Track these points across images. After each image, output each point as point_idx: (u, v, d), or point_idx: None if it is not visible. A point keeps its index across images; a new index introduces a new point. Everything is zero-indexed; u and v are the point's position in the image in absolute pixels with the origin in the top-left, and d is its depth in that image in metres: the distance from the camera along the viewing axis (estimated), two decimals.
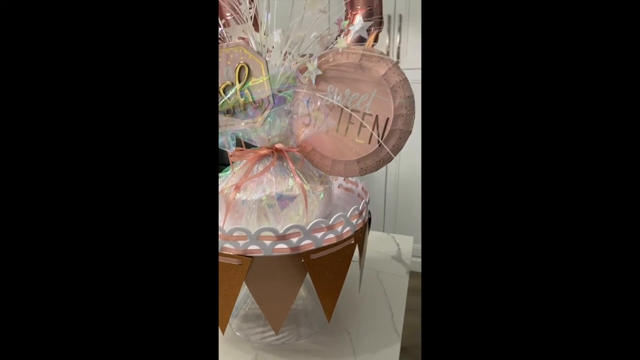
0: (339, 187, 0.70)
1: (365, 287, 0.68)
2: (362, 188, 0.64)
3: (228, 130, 0.54)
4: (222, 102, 0.51)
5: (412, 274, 0.76)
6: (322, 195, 0.54)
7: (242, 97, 0.52)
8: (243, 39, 0.53)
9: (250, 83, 0.50)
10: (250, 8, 0.52)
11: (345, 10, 0.60)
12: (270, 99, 0.50)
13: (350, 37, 0.58)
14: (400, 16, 1.95)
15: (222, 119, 0.54)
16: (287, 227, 0.45)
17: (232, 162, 0.58)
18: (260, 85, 0.49)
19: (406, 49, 1.91)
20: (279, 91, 0.52)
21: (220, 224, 0.53)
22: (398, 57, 1.93)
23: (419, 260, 1.96)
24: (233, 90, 0.50)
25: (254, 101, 0.52)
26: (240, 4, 0.52)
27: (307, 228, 0.45)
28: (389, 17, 1.96)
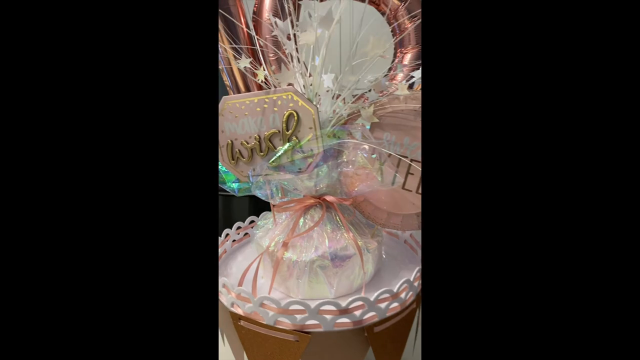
0: None
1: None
2: (412, 235, 0.59)
3: (273, 180, 0.49)
4: (273, 159, 0.47)
5: None
6: (375, 251, 0.49)
7: (290, 146, 0.48)
8: (290, 84, 0.49)
9: (302, 142, 0.45)
10: (296, 50, 0.49)
11: (394, 49, 0.56)
12: (321, 150, 0.46)
13: (399, 78, 0.54)
14: None
15: (261, 164, 0.49)
16: (350, 299, 0.40)
17: (274, 213, 0.53)
18: (311, 142, 0.45)
19: None
20: (334, 135, 0.48)
21: (266, 285, 0.48)
22: None
23: None
24: (287, 146, 0.46)
25: (302, 151, 0.48)
26: (284, 45, 0.48)
27: (372, 299, 0.40)
28: None
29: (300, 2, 0.54)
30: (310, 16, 0.46)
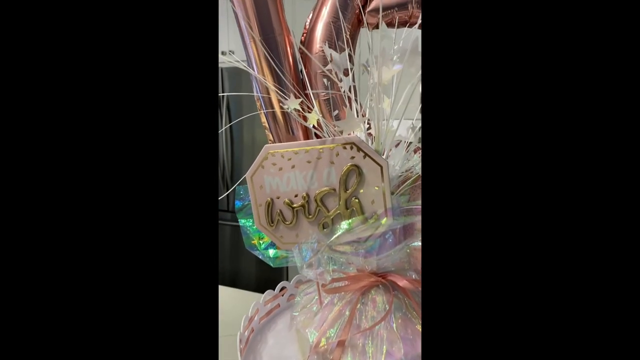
0: None
1: None
2: None
3: (324, 253, 0.38)
4: (333, 239, 0.36)
5: None
6: None
7: (347, 209, 0.37)
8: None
9: (370, 222, 0.35)
10: (355, 88, 0.39)
11: None
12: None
13: None
14: None
15: (318, 235, 0.38)
16: None
17: (320, 292, 0.42)
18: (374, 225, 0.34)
19: None
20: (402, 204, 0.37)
21: None
22: None
23: None
24: (349, 222, 0.35)
25: (364, 216, 0.37)
26: (340, 80, 0.39)
27: None
28: None
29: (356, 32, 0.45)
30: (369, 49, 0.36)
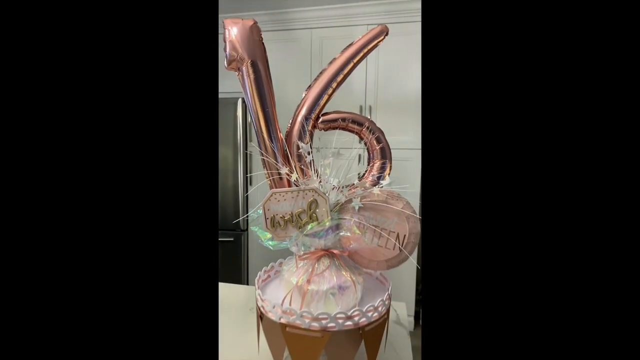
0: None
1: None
2: (381, 273, 0.92)
3: (300, 241, 0.80)
4: (305, 231, 0.78)
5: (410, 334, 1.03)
6: (361, 283, 0.81)
7: (310, 219, 0.80)
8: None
9: (322, 223, 0.78)
10: (313, 162, 0.83)
11: (368, 159, 0.93)
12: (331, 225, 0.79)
13: (370, 178, 0.90)
14: (370, 107, 2.41)
15: (296, 232, 0.81)
16: (351, 311, 0.71)
17: (297, 260, 0.84)
18: (325, 222, 0.78)
19: None
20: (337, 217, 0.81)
21: (296, 306, 0.77)
22: None
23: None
24: (312, 224, 0.78)
25: (318, 222, 0.80)
26: (306, 157, 0.82)
27: (364, 310, 0.71)
28: (361, 107, 2.43)
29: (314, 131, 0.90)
30: (311, 150, 0.80)
